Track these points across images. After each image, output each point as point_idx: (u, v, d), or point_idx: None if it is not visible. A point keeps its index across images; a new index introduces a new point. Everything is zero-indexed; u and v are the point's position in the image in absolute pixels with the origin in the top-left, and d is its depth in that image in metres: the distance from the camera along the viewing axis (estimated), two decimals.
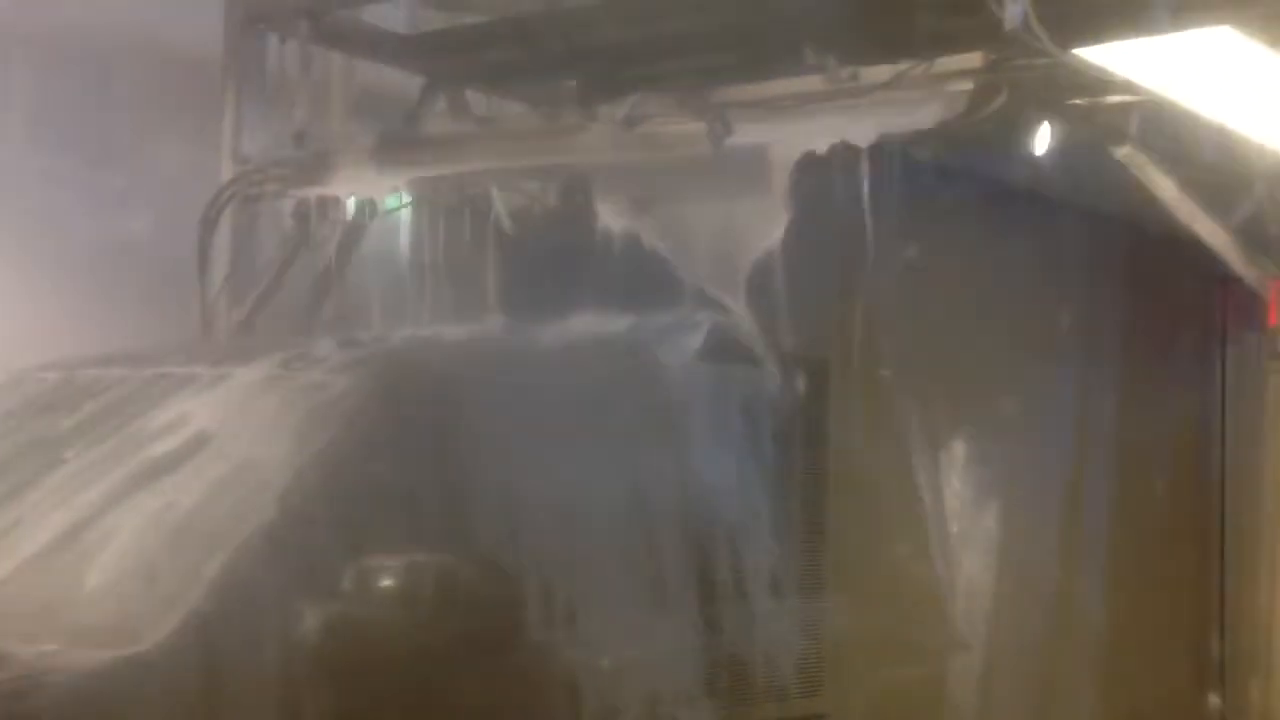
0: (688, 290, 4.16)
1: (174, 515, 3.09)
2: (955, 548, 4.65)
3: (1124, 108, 3.95)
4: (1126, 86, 3.72)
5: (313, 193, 4.97)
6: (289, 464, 3.14)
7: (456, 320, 4.45)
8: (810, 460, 4.11)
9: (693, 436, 3.83)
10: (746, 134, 4.17)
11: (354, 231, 5.01)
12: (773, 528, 3.94)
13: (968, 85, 3.85)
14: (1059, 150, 4.20)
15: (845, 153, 3.94)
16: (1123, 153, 4.05)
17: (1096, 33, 3.45)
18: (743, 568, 3.83)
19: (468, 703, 3.18)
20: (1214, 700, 5.92)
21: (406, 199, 4.93)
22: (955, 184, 4.51)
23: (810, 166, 3.93)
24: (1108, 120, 4.02)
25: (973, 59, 3.84)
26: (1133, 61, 3.55)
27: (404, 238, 5.10)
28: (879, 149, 3.95)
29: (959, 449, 4.71)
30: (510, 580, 3.29)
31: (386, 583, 3.04)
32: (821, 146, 3.95)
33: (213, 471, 3.19)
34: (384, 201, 4.92)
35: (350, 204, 4.97)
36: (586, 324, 3.91)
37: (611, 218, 4.28)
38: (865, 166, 3.96)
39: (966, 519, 4.72)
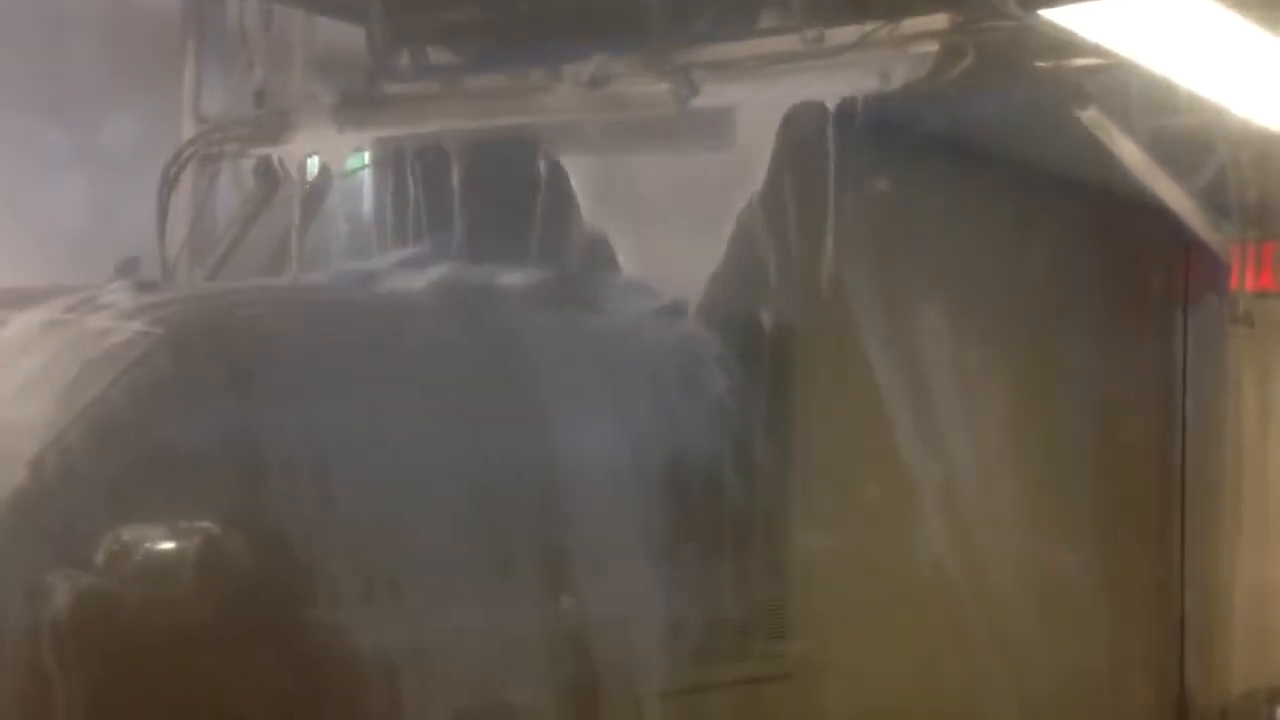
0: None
1: None
2: (924, 502, 4.68)
3: (1089, 70, 3.95)
4: (1091, 49, 3.72)
5: (274, 152, 4.92)
6: (51, 421, 2.84)
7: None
8: (751, 420, 3.98)
9: (554, 393, 3.54)
10: (712, 96, 4.15)
11: (316, 191, 4.97)
12: (666, 488, 3.70)
13: (933, 47, 3.84)
14: (1024, 112, 4.20)
15: (813, 114, 3.93)
16: (1087, 115, 4.05)
17: None
18: (618, 532, 3.57)
19: (239, 686, 2.90)
20: (1174, 659, 5.98)
21: (368, 158, 4.89)
22: (920, 146, 4.51)
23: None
24: (1072, 83, 4.01)
25: (939, 20, 3.82)
26: (1098, 24, 3.54)
27: (366, 197, 5.06)
28: (845, 111, 3.94)
29: (925, 407, 4.73)
30: (295, 552, 2.99)
31: (140, 555, 2.75)
32: (785, 108, 3.94)
33: None
34: (346, 161, 4.88)
35: (312, 163, 4.93)
36: (437, 274, 3.66)
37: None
38: (831, 129, 3.94)
39: (933, 477, 4.75)
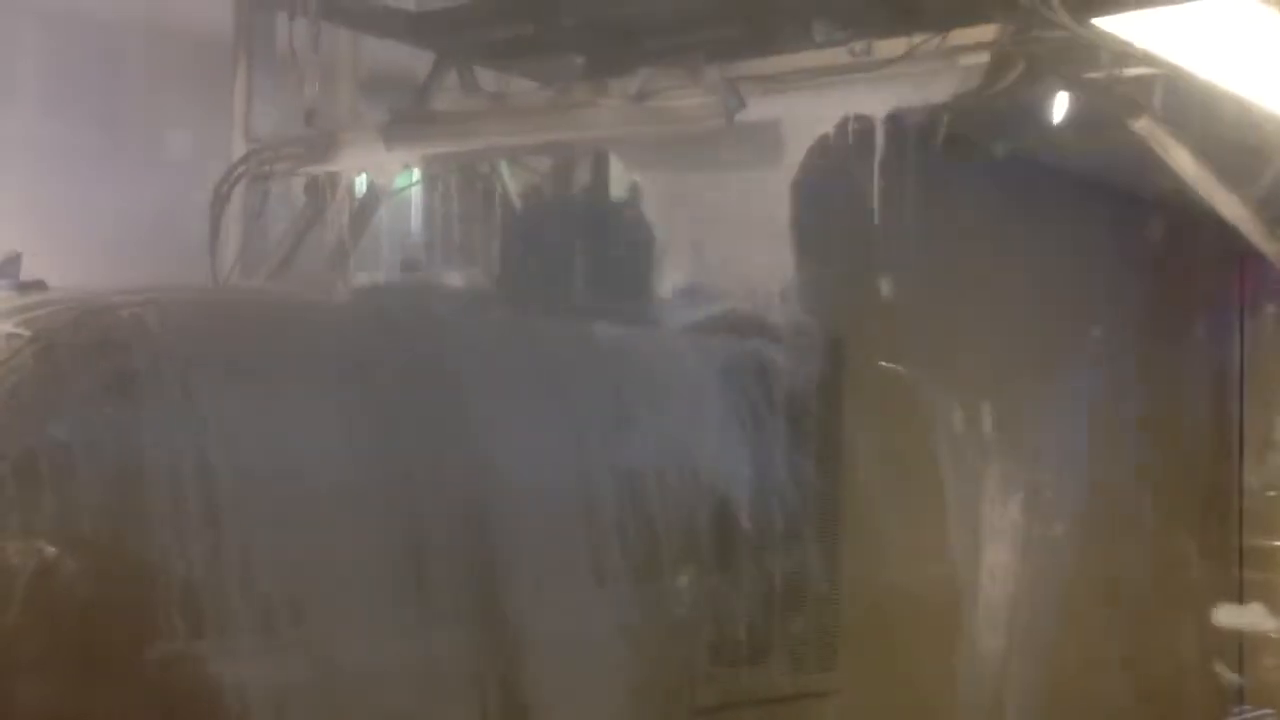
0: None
1: None
2: (974, 521, 4.63)
3: (1142, 80, 3.90)
4: (1144, 58, 3.67)
5: (324, 170, 4.96)
6: None
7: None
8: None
9: (487, 398, 3.27)
10: (759, 109, 4.13)
11: (365, 209, 5.00)
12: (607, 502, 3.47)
13: (983, 58, 3.81)
14: (1076, 124, 4.16)
15: (861, 128, 3.91)
16: (1140, 125, 4.00)
17: (1114, 3, 3.41)
18: (553, 547, 3.34)
19: None
20: (1232, 676, 5.90)
21: (417, 176, 4.91)
22: (972, 159, 4.48)
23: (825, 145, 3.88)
24: (1125, 93, 3.97)
25: (988, 31, 3.79)
26: (1151, 32, 3.50)
27: (415, 215, 5.09)
28: (894, 124, 3.92)
29: (980, 421, 4.69)
30: (160, 577, 2.70)
31: None
32: (833, 121, 3.93)
33: None
34: (395, 179, 4.91)
35: (361, 181, 4.96)
36: (373, 276, 3.48)
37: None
38: (880, 142, 3.92)
39: (988, 491, 4.71)
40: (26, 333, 2.83)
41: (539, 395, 3.45)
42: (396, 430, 3.14)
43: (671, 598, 3.59)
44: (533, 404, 3.44)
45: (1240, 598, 5.90)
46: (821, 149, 3.93)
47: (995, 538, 4.68)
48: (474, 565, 3.20)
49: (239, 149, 5.12)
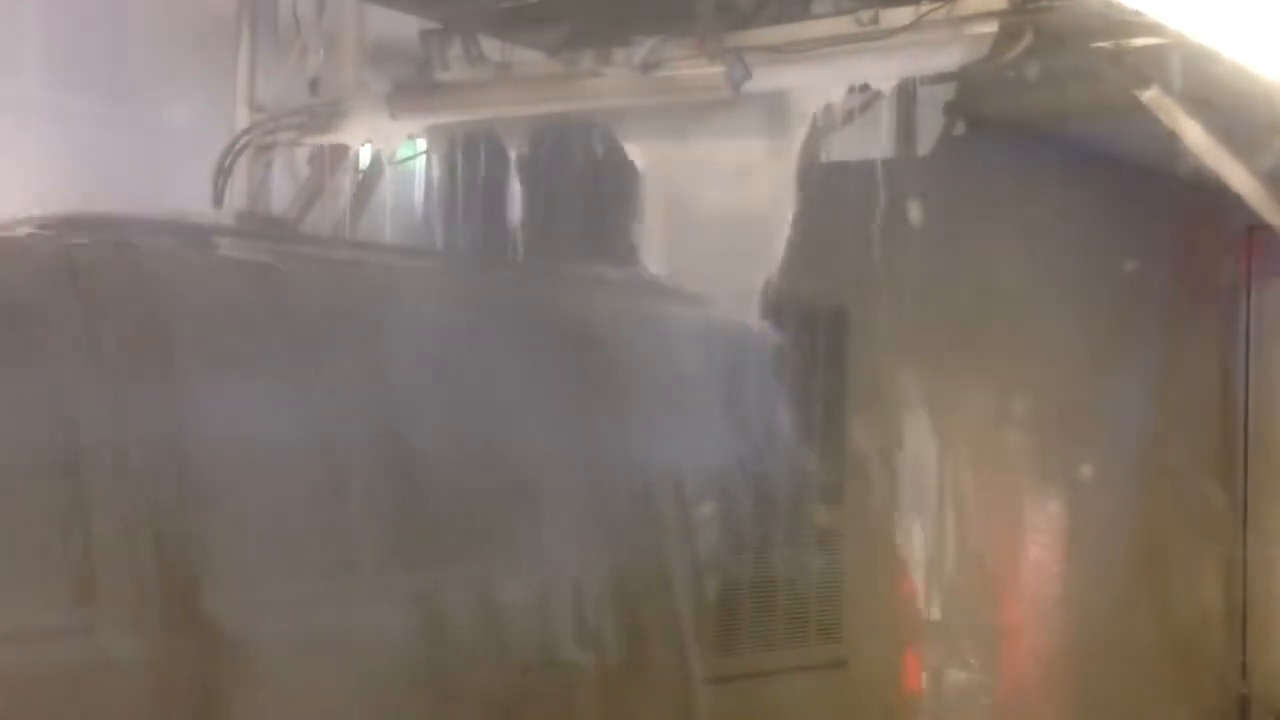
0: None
1: None
2: (973, 494, 4.64)
3: (1151, 50, 3.88)
4: (1153, 29, 3.65)
5: (328, 141, 4.94)
6: None
7: None
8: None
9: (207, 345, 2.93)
10: (766, 78, 4.11)
11: (369, 179, 4.99)
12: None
13: (991, 28, 3.78)
14: (1085, 93, 4.14)
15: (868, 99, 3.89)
16: (1148, 96, 3.98)
17: None
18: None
19: None
20: (1236, 656, 5.90)
21: (421, 147, 4.90)
22: (979, 130, 4.46)
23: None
24: (1134, 63, 3.94)
25: (997, 0, 3.77)
26: (1160, 2, 3.48)
27: (418, 185, 5.08)
28: (902, 95, 3.90)
29: (980, 393, 4.69)
30: None
31: None
32: (839, 90, 3.91)
33: None
34: (399, 149, 4.89)
35: (365, 151, 4.94)
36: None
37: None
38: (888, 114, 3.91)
39: (990, 463, 4.71)
40: None
41: (277, 351, 3.09)
42: (67, 389, 2.79)
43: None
44: (262, 359, 3.06)
45: (1244, 580, 5.89)
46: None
47: (997, 510, 4.69)
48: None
49: (243, 119, 5.11)
